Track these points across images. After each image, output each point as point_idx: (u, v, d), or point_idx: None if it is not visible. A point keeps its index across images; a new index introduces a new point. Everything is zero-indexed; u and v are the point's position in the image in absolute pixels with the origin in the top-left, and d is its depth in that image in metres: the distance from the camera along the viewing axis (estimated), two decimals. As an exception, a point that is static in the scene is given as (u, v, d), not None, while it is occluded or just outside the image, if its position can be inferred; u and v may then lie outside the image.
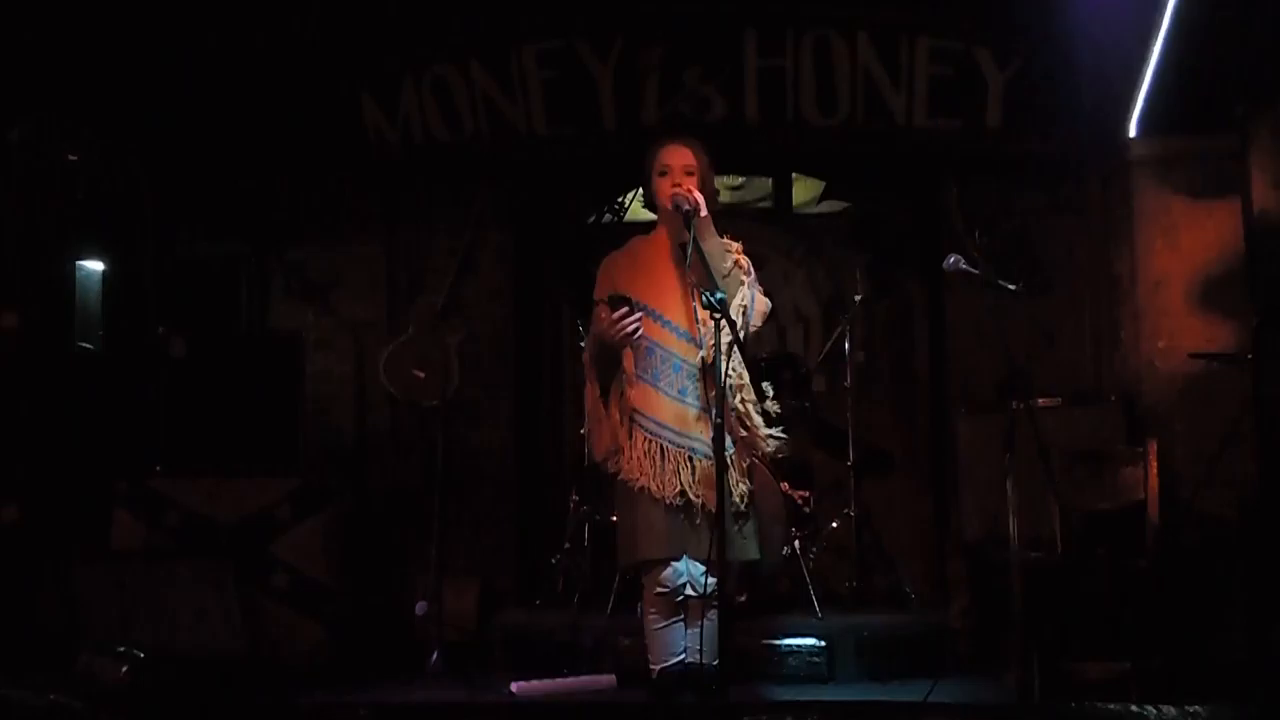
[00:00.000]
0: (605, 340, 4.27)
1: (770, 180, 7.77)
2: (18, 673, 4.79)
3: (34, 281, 6.20)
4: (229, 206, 7.08)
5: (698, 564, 4.28)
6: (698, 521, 4.26)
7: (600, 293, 4.50)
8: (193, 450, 6.15)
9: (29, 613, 5.48)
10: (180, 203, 6.93)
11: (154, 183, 6.79)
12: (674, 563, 4.29)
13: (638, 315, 4.21)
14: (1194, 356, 5.98)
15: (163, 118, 6.68)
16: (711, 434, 4.14)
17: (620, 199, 7.75)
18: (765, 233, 7.62)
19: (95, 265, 6.48)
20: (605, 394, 4.41)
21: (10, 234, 6.20)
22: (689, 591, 4.30)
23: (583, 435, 6.48)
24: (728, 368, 4.16)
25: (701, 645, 4.25)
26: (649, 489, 4.26)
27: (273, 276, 7.20)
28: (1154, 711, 4.59)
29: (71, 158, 6.47)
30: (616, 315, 4.19)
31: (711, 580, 4.27)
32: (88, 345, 6.33)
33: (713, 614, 4.29)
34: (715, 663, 4.28)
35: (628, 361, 4.37)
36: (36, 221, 6.30)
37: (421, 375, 6.72)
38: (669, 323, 4.40)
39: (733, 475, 4.31)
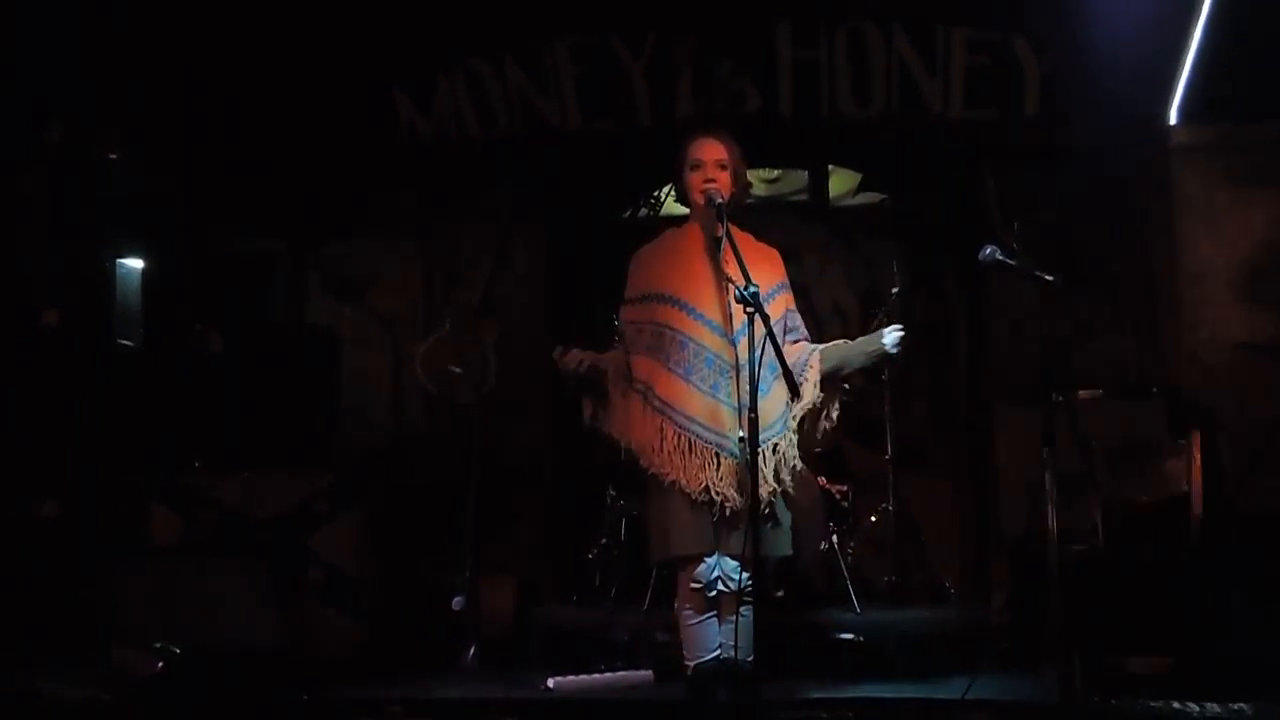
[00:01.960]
0: (566, 377, 4.37)
1: (806, 173, 7.74)
2: (55, 666, 4.82)
3: (74, 279, 6.26)
4: (265, 204, 7.10)
5: (730, 560, 4.25)
6: (727, 516, 4.23)
7: (632, 288, 4.50)
8: (230, 446, 6.17)
9: (67, 607, 5.52)
10: (217, 201, 6.96)
11: (191, 181, 6.83)
12: (706, 558, 4.26)
13: (576, 351, 4.31)
14: (1238, 347, 5.90)
15: (199, 116, 6.70)
16: (745, 431, 4.11)
17: (655, 193, 7.74)
18: (801, 226, 7.60)
19: (135, 263, 6.52)
20: (596, 416, 4.46)
21: (51, 232, 6.24)
22: (721, 587, 4.27)
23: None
24: (762, 361, 4.11)
25: (736, 641, 4.22)
26: (679, 483, 4.24)
27: (309, 273, 7.22)
28: (1197, 709, 4.52)
29: (110, 156, 6.51)
30: (559, 355, 4.30)
31: (745, 576, 4.24)
32: (127, 342, 6.37)
33: (747, 610, 4.26)
34: (750, 659, 4.25)
35: (639, 368, 4.38)
36: (76, 220, 6.34)
37: (458, 371, 6.72)
38: (701, 316, 4.36)
39: (765, 472, 4.26)
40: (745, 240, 4.46)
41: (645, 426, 4.32)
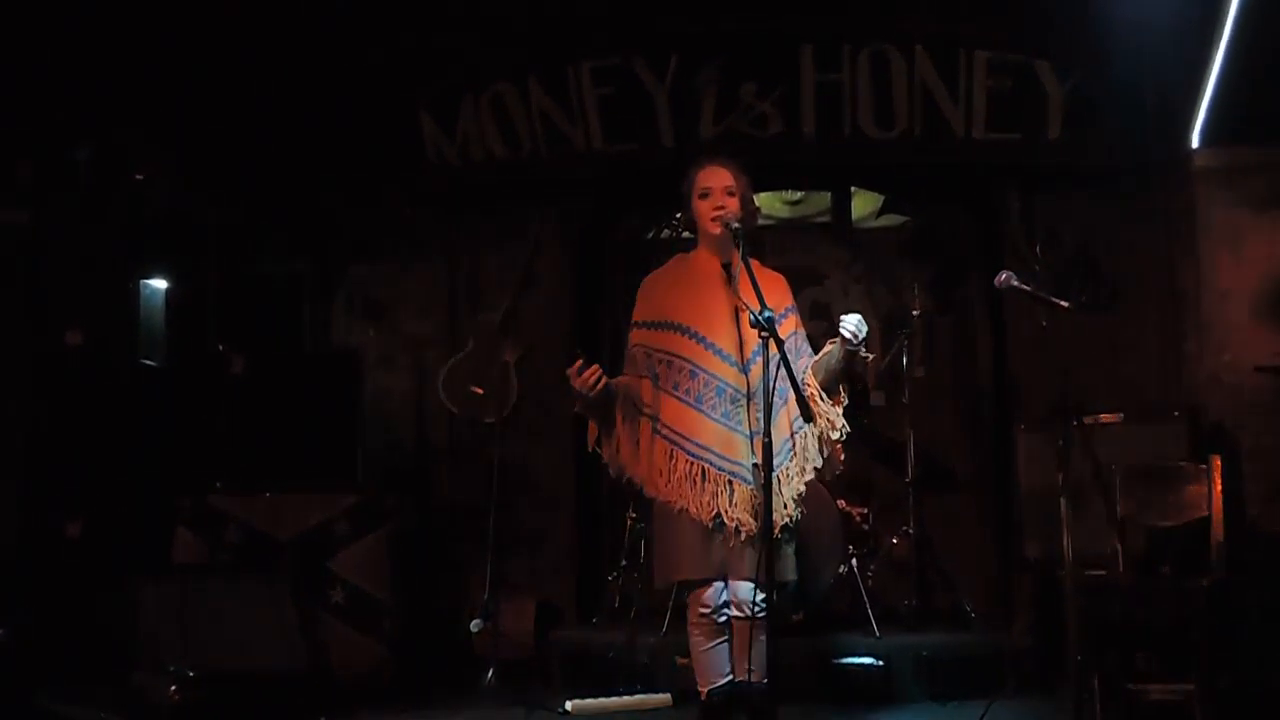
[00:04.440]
0: (578, 396, 4.28)
1: (829, 195, 7.74)
2: (76, 690, 4.85)
3: (99, 300, 6.29)
4: (291, 225, 7.15)
5: (746, 585, 4.23)
6: (733, 544, 4.22)
7: (641, 313, 4.50)
8: (253, 467, 6.19)
9: (89, 628, 5.55)
10: (243, 222, 7.01)
11: (217, 202, 6.89)
12: (715, 583, 4.26)
13: (594, 366, 4.20)
14: (1260, 370, 5.87)
15: (226, 138, 6.76)
16: (760, 458, 4.09)
17: (678, 215, 7.73)
18: (824, 247, 7.60)
19: (159, 283, 6.57)
20: (600, 439, 4.41)
21: (76, 253, 6.29)
22: (733, 612, 4.26)
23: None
24: (775, 386, 4.09)
25: (750, 665, 4.21)
26: (688, 510, 4.23)
27: (334, 294, 7.26)
28: (1218, 736, 4.49)
29: (137, 177, 6.57)
30: (574, 370, 4.19)
31: (761, 603, 4.23)
32: (151, 362, 6.41)
33: (761, 633, 4.25)
34: (765, 681, 4.24)
35: (645, 393, 4.37)
36: (102, 240, 6.39)
37: (480, 392, 6.75)
38: (713, 345, 4.35)
39: (780, 498, 4.25)
40: (753, 266, 4.46)
41: (653, 454, 4.31)
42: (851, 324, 4.18)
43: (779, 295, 4.44)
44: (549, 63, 6.83)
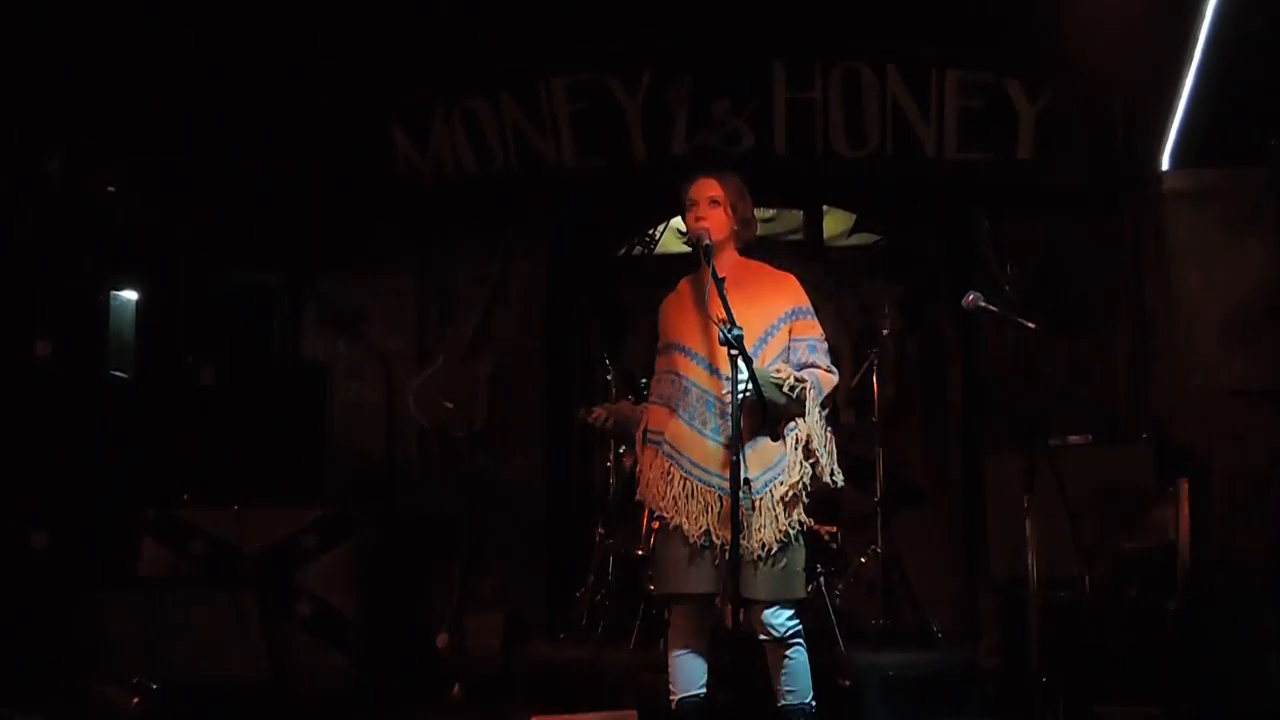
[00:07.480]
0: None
1: (801, 213, 7.75)
2: (36, 701, 4.81)
3: (68, 310, 6.25)
4: (262, 237, 7.12)
5: (769, 609, 4.22)
6: (719, 561, 4.18)
7: (659, 337, 4.53)
8: (221, 479, 6.16)
9: (56, 639, 5.50)
10: (214, 233, 6.98)
11: (189, 213, 6.86)
12: (703, 598, 4.25)
13: (597, 411, 4.63)
14: (1229, 393, 5.89)
15: (198, 149, 6.74)
16: (752, 472, 4.15)
17: (650, 231, 7.76)
18: (796, 266, 7.55)
19: (129, 294, 6.52)
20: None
21: (46, 263, 6.26)
22: (762, 636, 4.25)
23: (608, 467, 6.52)
24: (741, 399, 4.08)
25: (789, 686, 4.26)
26: (681, 526, 4.23)
27: (304, 306, 7.24)
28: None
29: (108, 188, 6.54)
30: (592, 418, 4.59)
31: (793, 623, 4.25)
32: (120, 374, 6.37)
33: (796, 652, 4.27)
34: (810, 700, 4.29)
35: (652, 419, 4.43)
36: (72, 251, 6.36)
37: (450, 406, 6.73)
38: (704, 361, 4.32)
39: (762, 515, 4.22)
40: (759, 270, 4.44)
41: (655, 472, 4.32)
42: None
43: (778, 301, 4.37)
44: (521, 77, 6.83)
